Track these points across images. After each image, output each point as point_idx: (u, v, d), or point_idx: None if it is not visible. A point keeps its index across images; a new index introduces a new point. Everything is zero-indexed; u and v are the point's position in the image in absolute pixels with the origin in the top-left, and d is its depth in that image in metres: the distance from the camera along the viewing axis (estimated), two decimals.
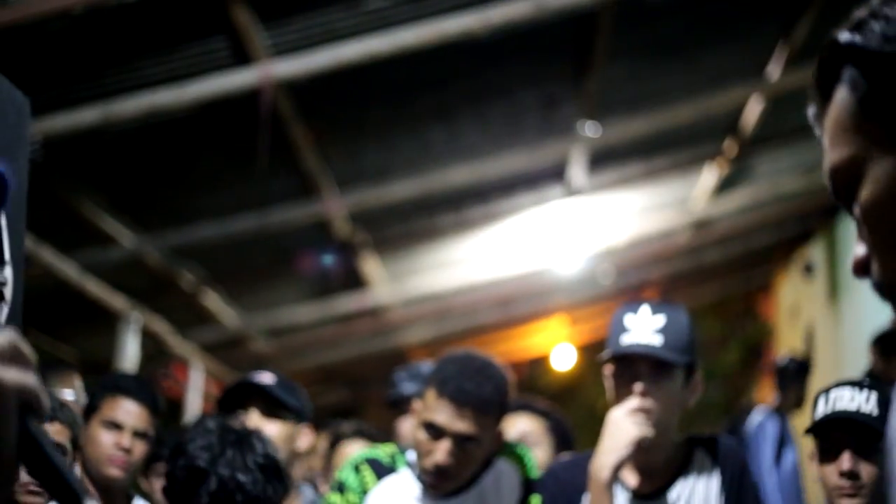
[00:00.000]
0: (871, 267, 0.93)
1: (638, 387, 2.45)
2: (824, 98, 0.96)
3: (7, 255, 0.90)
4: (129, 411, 3.26)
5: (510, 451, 2.82)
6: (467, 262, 8.02)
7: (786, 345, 10.03)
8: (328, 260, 6.88)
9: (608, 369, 2.55)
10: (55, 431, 2.76)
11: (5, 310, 0.89)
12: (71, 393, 3.32)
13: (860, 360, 6.59)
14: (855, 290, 8.14)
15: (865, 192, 0.92)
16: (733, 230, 9.04)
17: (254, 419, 3.00)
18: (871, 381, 2.66)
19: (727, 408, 11.09)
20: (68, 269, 5.51)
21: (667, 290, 10.26)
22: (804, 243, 9.84)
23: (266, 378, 3.13)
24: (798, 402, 6.36)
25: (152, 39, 4.33)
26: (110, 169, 5.25)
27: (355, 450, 3.94)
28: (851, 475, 2.43)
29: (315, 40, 4.49)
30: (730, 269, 10.63)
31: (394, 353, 9.68)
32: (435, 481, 2.63)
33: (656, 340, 2.46)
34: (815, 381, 6.16)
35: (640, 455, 2.49)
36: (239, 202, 5.86)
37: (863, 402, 2.46)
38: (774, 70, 6.05)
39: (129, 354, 6.45)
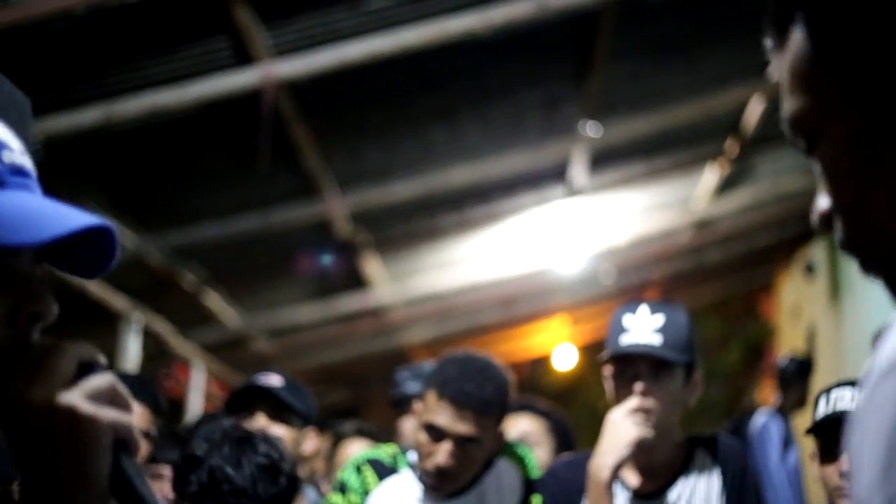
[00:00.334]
0: (834, 223, 0.86)
1: (638, 386, 2.45)
2: (781, 34, 0.87)
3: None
4: None
5: (511, 451, 2.82)
6: (469, 262, 8.02)
7: (787, 345, 10.03)
8: (329, 260, 6.88)
9: (608, 370, 2.55)
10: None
11: None
12: None
13: (861, 360, 6.59)
14: (856, 290, 8.14)
15: (825, 149, 0.84)
16: (735, 230, 9.04)
17: (260, 422, 3.00)
18: None
19: (728, 408, 11.09)
20: None
21: (668, 290, 10.26)
22: (805, 243, 9.84)
23: (274, 380, 3.13)
24: (800, 402, 6.36)
25: (154, 39, 4.33)
26: (112, 169, 5.25)
27: (357, 449, 3.94)
28: None
29: (317, 40, 4.49)
30: (731, 268, 10.63)
31: (395, 354, 9.68)
32: (436, 482, 2.63)
33: (655, 340, 2.47)
34: (817, 382, 6.16)
35: (641, 455, 2.49)
36: (240, 202, 5.86)
37: None
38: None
39: (131, 355, 6.45)
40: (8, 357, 0.96)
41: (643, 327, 2.49)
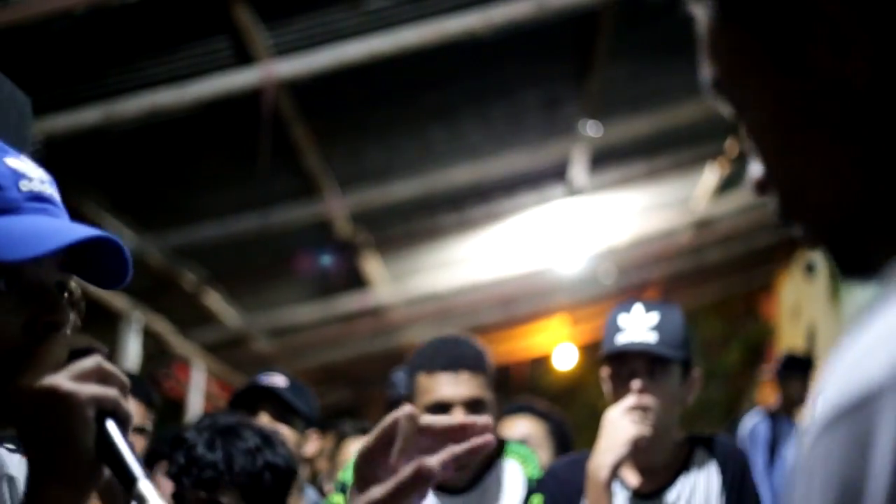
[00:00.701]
0: (768, 190, 0.79)
1: (635, 384, 2.45)
2: None
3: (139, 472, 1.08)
4: None
5: (514, 450, 2.83)
6: (469, 261, 8.02)
7: (787, 345, 10.03)
8: (329, 260, 6.88)
9: (605, 371, 2.56)
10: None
11: None
12: None
13: None
14: (856, 291, 8.14)
15: (749, 116, 0.77)
16: (735, 230, 9.04)
17: (263, 423, 3.00)
18: None
19: (729, 408, 11.09)
20: None
21: (668, 290, 10.26)
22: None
23: (278, 380, 3.12)
24: (800, 400, 6.36)
25: (154, 39, 4.33)
26: (112, 169, 5.25)
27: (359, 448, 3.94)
28: None
29: (317, 40, 4.49)
30: (731, 268, 10.63)
31: (395, 353, 9.67)
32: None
33: (651, 337, 2.47)
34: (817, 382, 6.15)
35: (641, 454, 2.48)
36: (240, 202, 5.86)
37: None
38: None
39: (131, 354, 6.45)
40: (22, 358, 1.09)
41: (638, 326, 2.49)
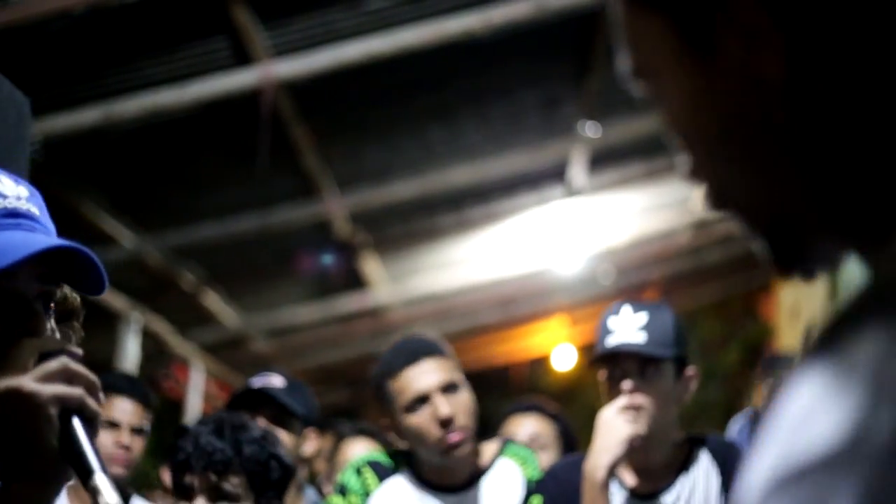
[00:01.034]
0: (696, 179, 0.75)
1: (626, 384, 2.45)
2: None
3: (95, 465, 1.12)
4: (124, 409, 3.31)
5: (513, 451, 2.83)
6: (468, 262, 8.02)
7: (787, 345, 10.03)
8: (328, 260, 6.88)
9: (601, 375, 2.56)
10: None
11: None
12: None
13: None
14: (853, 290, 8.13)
15: (667, 106, 0.73)
16: (734, 230, 8.98)
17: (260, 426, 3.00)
18: None
19: (728, 408, 11.09)
20: None
21: (667, 291, 10.25)
22: None
23: (275, 381, 3.11)
24: None
25: (153, 39, 4.33)
26: (111, 169, 5.25)
27: (359, 449, 3.94)
28: None
29: (316, 40, 4.49)
30: (730, 269, 10.61)
31: None
32: (455, 440, 2.63)
33: (640, 338, 2.48)
34: None
35: (637, 454, 2.49)
36: (240, 202, 5.86)
37: None
38: None
39: (130, 355, 6.45)
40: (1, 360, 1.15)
41: (627, 327, 2.50)
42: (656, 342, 2.48)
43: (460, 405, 2.65)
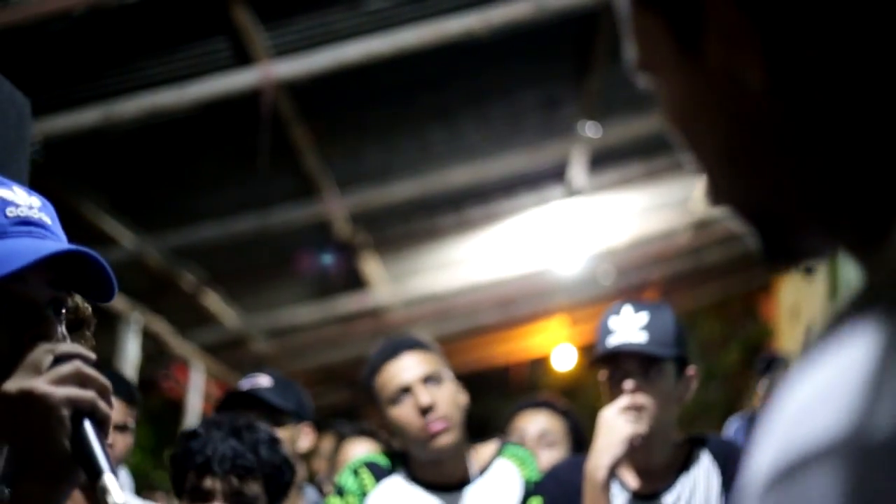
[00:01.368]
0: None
1: (628, 384, 2.45)
2: None
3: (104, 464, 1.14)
4: None
5: (512, 452, 2.83)
6: (468, 262, 8.02)
7: (786, 346, 10.03)
8: (328, 260, 6.88)
9: (602, 375, 2.56)
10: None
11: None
12: None
13: None
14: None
15: (665, 103, 0.76)
16: (734, 231, 9.02)
17: None
18: None
19: (728, 409, 11.09)
20: None
21: (667, 291, 10.25)
22: None
23: (262, 381, 3.11)
24: None
25: (153, 40, 4.33)
26: (111, 170, 5.25)
27: (360, 449, 3.94)
28: None
29: (316, 41, 4.50)
30: (730, 269, 10.62)
31: None
32: (437, 428, 2.67)
33: (641, 337, 2.48)
34: None
35: (639, 454, 2.49)
36: (240, 203, 5.86)
37: None
38: None
39: (130, 355, 6.45)
40: (9, 368, 1.17)
41: (628, 327, 2.50)
42: (658, 342, 2.48)
43: (442, 395, 2.70)
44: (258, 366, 5.88)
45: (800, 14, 0.64)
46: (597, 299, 9.94)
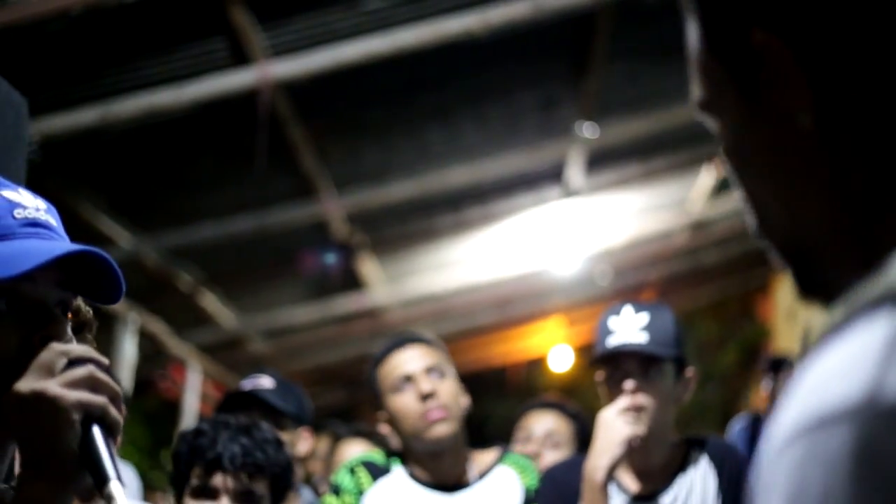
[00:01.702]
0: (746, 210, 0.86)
1: (629, 384, 2.45)
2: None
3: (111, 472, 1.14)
4: None
5: (512, 460, 2.83)
6: (465, 262, 8.02)
7: (783, 347, 10.04)
8: (326, 261, 6.88)
9: (600, 375, 2.56)
10: None
11: None
12: None
13: None
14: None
15: (722, 140, 0.85)
16: (731, 231, 9.04)
17: None
18: None
19: (725, 410, 11.09)
20: None
21: (664, 292, 10.26)
22: None
23: (265, 382, 3.11)
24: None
25: (151, 40, 4.33)
26: (108, 170, 5.25)
27: (355, 450, 3.94)
28: None
29: (314, 41, 4.49)
30: (727, 270, 10.63)
31: None
32: (436, 416, 2.70)
33: (642, 338, 2.48)
34: None
35: (637, 455, 2.48)
36: (237, 203, 5.86)
37: None
38: None
39: (127, 355, 6.45)
40: (20, 369, 1.17)
41: (629, 327, 2.50)
42: (658, 342, 2.48)
43: (444, 387, 2.74)
44: (255, 366, 5.88)
45: (847, 67, 0.74)
46: (594, 300, 9.94)
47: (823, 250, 0.78)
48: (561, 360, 11.97)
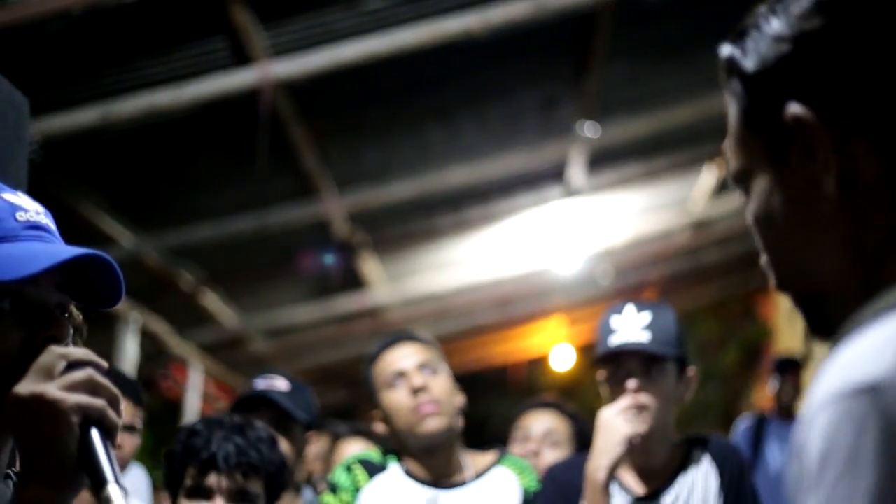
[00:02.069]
0: (767, 269, 0.98)
1: (631, 383, 2.45)
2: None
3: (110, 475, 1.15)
4: None
5: (511, 461, 2.84)
6: (466, 262, 8.02)
7: (785, 346, 10.03)
8: (327, 260, 6.88)
9: (601, 374, 2.56)
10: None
11: None
12: None
13: None
14: None
15: (750, 205, 0.96)
16: (732, 231, 9.04)
17: None
18: None
19: (726, 409, 11.09)
20: None
21: (665, 291, 10.26)
22: None
23: (279, 384, 3.09)
24: (790, 402, 6.37)
25: (151, 40, 4.33)
26: (109, 169, 5.25)
27: (354, 449, 3.94)
28: None
29: (314, 41, 4.49)
30: (729, 269, 10.62)
31: None
32: (427, 410, 2.72)
33: (644, 337, 2.48)
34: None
35: (639, 454, 2.49)
36: (238, 202, 5.86)
37: None
38: None
39: (128, 355, 6.45)
40: (21, 370, 1.18)
41: (631, 326, 2.50)
42: (660, 341, 2.48)
43: (436, 383, 2.77)
44: (256, 365, 5.88)
45: (873, 137, 0.87)
46: (595, 299, 9.94)
47: (836, 299, 0.91)
48: (562, 360, 11.97)
